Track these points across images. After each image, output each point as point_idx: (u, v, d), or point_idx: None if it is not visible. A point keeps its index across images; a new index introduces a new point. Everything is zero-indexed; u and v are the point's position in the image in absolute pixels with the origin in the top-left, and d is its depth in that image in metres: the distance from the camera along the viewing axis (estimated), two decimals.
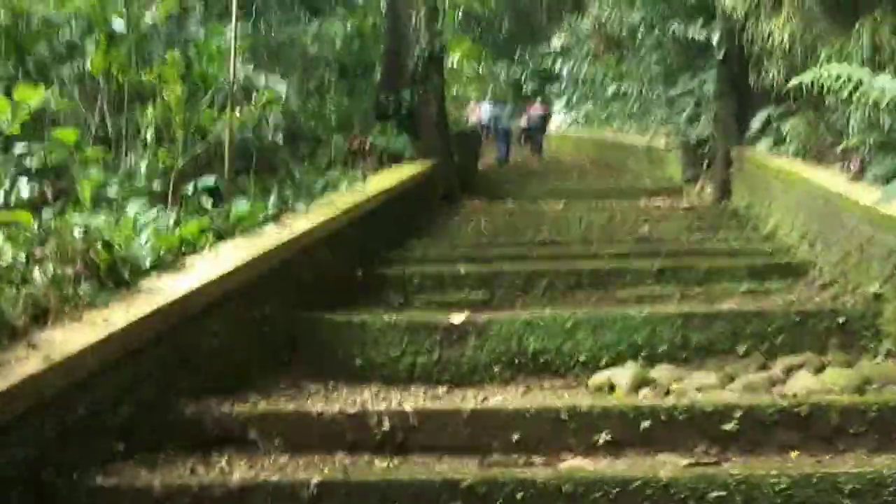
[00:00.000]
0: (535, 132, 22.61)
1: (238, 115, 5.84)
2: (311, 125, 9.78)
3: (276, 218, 5.57)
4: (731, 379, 4.44)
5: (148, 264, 3.92)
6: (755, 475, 2.69)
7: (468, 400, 4.19)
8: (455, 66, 34.62)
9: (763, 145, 8.90)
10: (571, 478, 2.72)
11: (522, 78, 27.00)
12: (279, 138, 7.17)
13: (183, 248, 4.42)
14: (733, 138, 10.53)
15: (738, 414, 3.34)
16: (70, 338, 2.92)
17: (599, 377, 4.47)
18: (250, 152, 7.43)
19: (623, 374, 4.40)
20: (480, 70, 31.20)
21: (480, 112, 21.94)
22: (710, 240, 7.57)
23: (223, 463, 3.12)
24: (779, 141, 8.50)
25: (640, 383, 4.34)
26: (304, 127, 9.64)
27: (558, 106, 24.53)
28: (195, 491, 2.68)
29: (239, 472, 2.92)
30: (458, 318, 4.94)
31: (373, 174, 9.00)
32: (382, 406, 3.54)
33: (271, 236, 4.98)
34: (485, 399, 3.77)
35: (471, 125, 22.10)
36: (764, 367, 4.60)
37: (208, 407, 3.55)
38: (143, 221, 4.46)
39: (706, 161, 12.08)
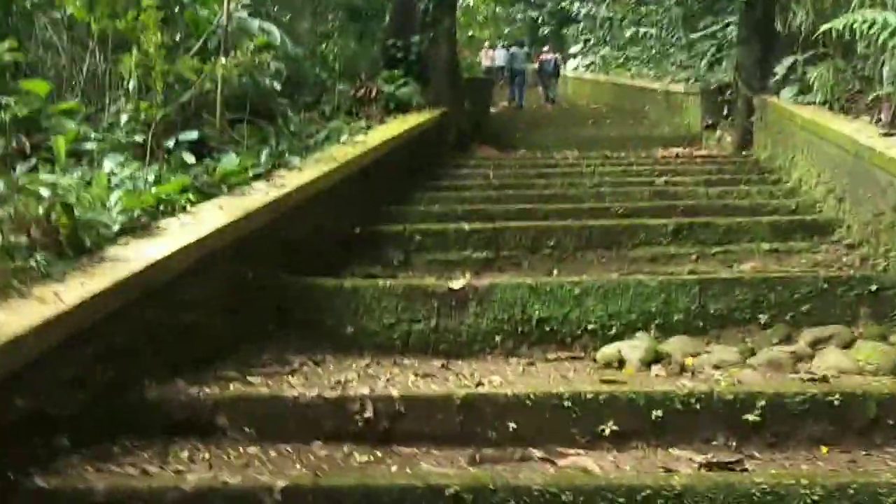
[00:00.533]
0: (547, 78, 22.16)
1: (226, 62, 5.43)
2: (316, 72, 9.36)
3: (267, 173, 5.22)
4: (753, 352, 4.09)
5: (117, 228, 3.58)
6: (783, 484, 2.35)
7: (464, 377, 3.85)
8: (471, 5, 33.94)
9: (787, 93, 8.43)
10: (572, 484, 2.39)
11: (539, 20, 26.33)
12: (277, 86, 6.72)
13: (162, 209, 4.08)
14: (756, 85, 10.05)
15: (761, 402, 3.00)
16: (10, 319, 2.60)
17: (608, 350, 4.13)
18: (249, 101, 7.06)
19: (634, 348, 4.06)
20: (496, 11, 30.51)
21: (494, 56, 21.41)
22: (730, 194, 7.16)
23: (183, 457, 2.80)
24: (804, 89, 8.04)
25: (652, 358, 4.00)
26: (309, 74, 9.23)
27: (575, 48, 23.90)
28: (144, 496, 2.37)
29: (197, 472, 2.61)
30: (457, 283, 4.59)
31: (378, 123, 8.62)
32: (366, 390, 3.21)
33: (259, 194, 4.62)
34: (479, 383, 3.43)
35: (484, 69, 21.72)
36: (788, 340, 4.25)
37: (175, 389, 3.24)
38: (117, 179, 4.11)
39: (727, 108, 11.61)
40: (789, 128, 7.87)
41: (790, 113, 7.92)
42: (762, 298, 4.42)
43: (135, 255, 3.33)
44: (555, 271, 5.76)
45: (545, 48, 22.75)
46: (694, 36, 13.42)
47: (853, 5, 6.32)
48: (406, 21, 10.22)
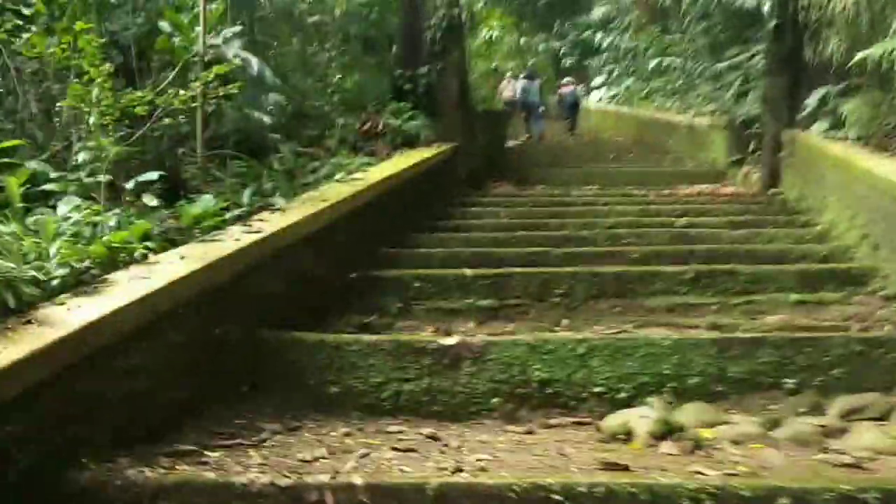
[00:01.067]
0: (567, 110, 21.89)
1: (180, 93, 5.05)
2: (319, 104, 9.04)
3: (247, 216, 4.84)
4: (776, 424, 3.62)
5: (55, 284, 3.19)
6: None
7: (449, 451, 3.41)
8: (493, 39, 33.72)
9: (818, 128, 7.98)
10: None
11: (561, 51, 26.02)
12: (267, 119, 6.37)
13: (119, 259, 3.70)
14: (784, 119, 9.62)
15: (784, 501, 2.53)
16: None
17: (614, 420, 3.67)
18: (237, 137, 6.72)
19: (643, 419, 3.60)
20: (518, 43, 30.23)
21: (515, 88, 21.03)
22: (756, 238, 6.69)
23: None
24: (837, 124, 7.59)
25: (663, 431, 3.54)
26: (308, 107, 8.91)
27: (599, 80, 23.52)
28: None
29: None
30: (450, 339, 4.17)
31: (383, 159, 8.26)
32: (326, 477, 2.78)
33: (230, 241, 4.23)
34: (458, 469, 2.98)
35: (505, 102, 21.32)
36: (817, 409, 3.78)
37: (114, 471, 2.82)
38: (68, 225, 3.73)
39: (753, 143, 11.16)
40: (820, 166, 7.41)
41: (821, 149, 7.47)
42: (788, 361, 3.96)
43: (69, 316, 2.94)
44: (563, 321, 5.33)
45: (565, 80, 22.35)
46: (720, 66, 12.97)
47: (892, 31, 5.87)
48: (414, 51, 9.89)
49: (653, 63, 18.14)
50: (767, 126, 10.00)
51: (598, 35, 22.23)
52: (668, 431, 3.55)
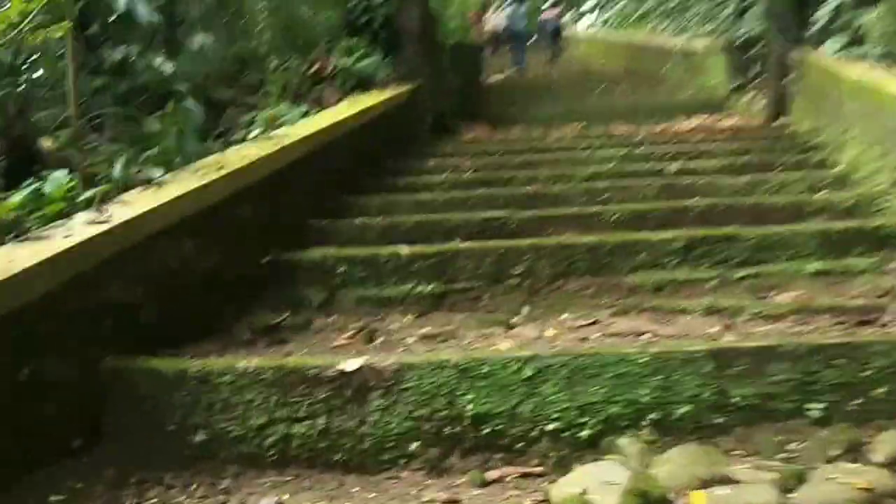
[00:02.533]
0: (549, 38, 20.80)
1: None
2: (256, 46, 7.85)
3: (103, 198, 3.72)
4: (800, 480, 2.56)
5: None
6: None
7: None
8: None
9: (832, 46, 6.78)
10: None
11: None
12: (169, 67, 5.22)
13: None
14: (791, 37, 8.41)
15: None
16: None
17: (567, 490, 2.60)
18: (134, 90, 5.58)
19: (607, 485, 2.53)
20: None
21: (500, 17, 19.73)
22: (762, 185, 5.56)
23: None
24: (854, 41, 6.38)
25: (638, 500, 2.47)
26: (244, 49, 7.73)
27: (590, 2, 22.08)
28: None
29: None
30: (351, 363, 3.09)
31: (330, 106, 7.12)
32: None
33: (62, 237, 3.13)
34: None
35: (488, 31, 20.02)
36: (855, 449, 2.71)
37: None
38: None
39: (756, 67, 9.96)
40: (837, 91, 6.24)
41: (836, 72, 6.30)
42: (813, 378, 2.88)
43: None
44: (523, 309, 4.26)
45: (547, 4, 21.01)
46: None
47: None
48: None
49: None
50: (772, 46, 8.79)
51: None
52: (645, 501, 2.49)
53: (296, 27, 8.38)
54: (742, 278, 4.29)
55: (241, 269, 4.29)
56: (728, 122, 9.12)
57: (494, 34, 19.85)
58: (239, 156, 4.61)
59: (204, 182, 4.00)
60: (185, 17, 6.95)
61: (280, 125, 5.91)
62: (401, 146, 7.47)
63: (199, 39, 6.87)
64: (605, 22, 20.07)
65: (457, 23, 11.40)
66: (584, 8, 22.18)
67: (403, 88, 7.87)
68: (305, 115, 6.39)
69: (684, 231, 4.50)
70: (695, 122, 9.49)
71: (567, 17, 23.86)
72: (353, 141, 6.29)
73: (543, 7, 21.24)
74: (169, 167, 4.28)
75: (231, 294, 4.16)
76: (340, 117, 6.14)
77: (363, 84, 7.88)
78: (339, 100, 7.50)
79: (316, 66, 7.83)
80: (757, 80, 10.00)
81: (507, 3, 20.25)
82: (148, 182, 3.96)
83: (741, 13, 10.81)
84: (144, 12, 4.84)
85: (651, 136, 8.00)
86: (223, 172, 4.16)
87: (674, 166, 6.30)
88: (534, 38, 21.28)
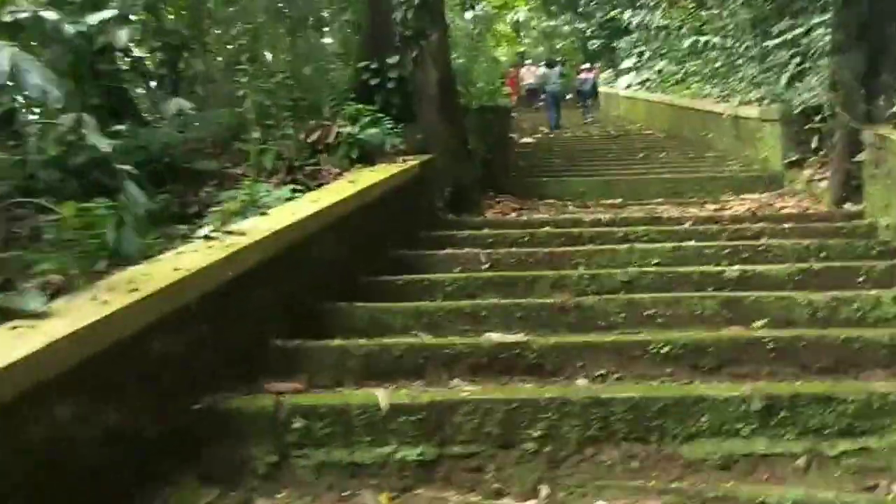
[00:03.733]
0: (583, 97, 20.68)
1: None
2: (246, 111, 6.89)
3: None
4: None
5: None
6: None
7: None
8: (521, 21, 31.46)
9: None
10: None
11: (587, 33, 23.51)
12: (105, 147, 4.19)
13: None
14: (860, 110, 7.31)
15: None
16: None
17: None
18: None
19: None
20: (542, 26, 28.00)
21: (532, 75, 18.92)
22: (850, 306, 4.40)
23: None
24: None
25: None
26: (235, 115, 6.77)
27: (628, 63, 21.09)
28: None
29: None
30: None
31: (328, 183, 6.11)
32: None
33: None
34: None
35: (526, 88, 19.35)
36: None
37: None
38: None
39: (817, 140, 8.86)
40: None
41: None
42: None
43: None
44: (542, 489, 3.14)
45: (584, 66, 20.25)
46: (771, 43, 10.60)
47: None
48: (381, 36, 7.68)
49: (687, 42, 15.71)
50: (838, 119, 7.67)
51: (627, 13, 19.76)
52: None
53: (307, 89, 7.40)
54: (841, 455, 3.14)
55: (161, 425, 3.20)
56: (788, 205, 7.98)
57: (529, 91, 19.13)
58: (166, 269, 3.51)
59: (105, 314, 2.92)
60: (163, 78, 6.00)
61: (262, 208, 4.87)
62: (407, 232, 6.39)
63: (177, 104, 5.90)
64: (644, 83, 19.05)
65: (485, 83, 10.41)
66: (623, 67, 21.20)
67: (415, 161, 6.83)
68: (292, 197, 5.35)
69: (762, 386, 3.36)
70: (748, 202, 8.36)
71: (606, 74, 22.93)
72: (346, 230, 5.22)
73: (582, 67, 20.36)
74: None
75: (144, 461, 3.06)
76: (329, 202, 5.08)
77: (369, 155, 6.86)
78: (340, 174, 6.49)
79: (316, 135, 6.83)
80: (817, 155, 8.90)
81: (541, 62, 19.51)
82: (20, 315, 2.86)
83: (796, 79, 9.72)
84: (37, 81, 3.65)
85: (701, 222, 6.87)
86: (136, 297, 3.09)
87: (734, 271, 5.15)
88: (568, 96, 20.59)
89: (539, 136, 15.98)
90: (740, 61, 13.85)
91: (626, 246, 5.94)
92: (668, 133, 14.62)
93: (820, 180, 8.42)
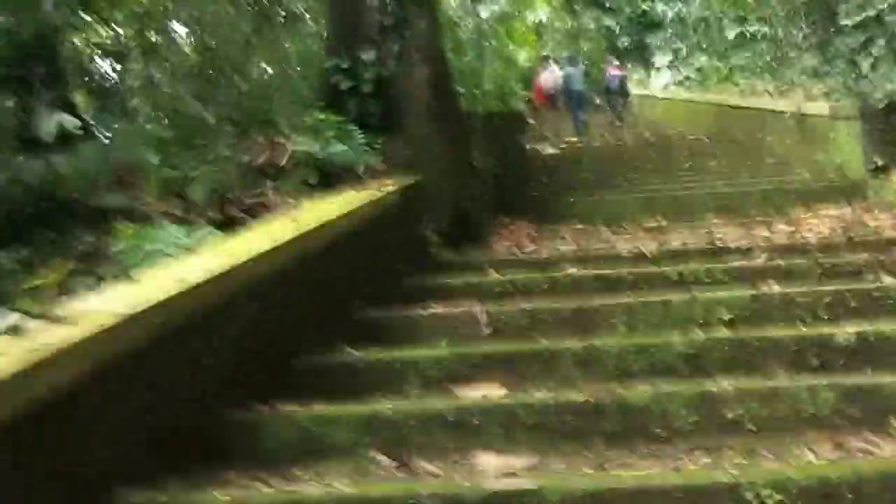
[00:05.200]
0: (614, 98, 19.16)
1: None
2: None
3: None
4: None
5: None
6: None
7: None
8: (542, 22, 29.84)
9: None
10: None
11: (617, 29, 21.76)
12: None
13: None
14: None
15: None
16: None
17: None
18: None
19: None
20: (573, 25, 26.37)
21: (556, 76, 17.34)
22: None
23: None
24: None
25: None
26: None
27: (663, 60, 19.34)
28: None
29: None
30: None
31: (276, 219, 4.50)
32: None
33: None
34: None
35: (545, 91, 17.90)
36: None
37: None
38: None
39: None
40: None
41: None
42: None
43: None
44: None
45: (614, 62, 18.64)
46: (845, 23, 8.84)
47: None
48: (354, 27, 6.05)
49: (732, 33, 13.94)
50: None
51: (660, 5, 18.04)
52: None
53: (251, 96, 5.80)
54: None
55: None
56: (883, 222, 6.23)
57: (549, 95, 17.48)
58: None
59: None
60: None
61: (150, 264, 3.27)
62: (382, 282, 4.71)
63: (57, 121, 4.33)
64: (683, 81, 17.26)
65: (494, 84, 8.70)
66: (657, 65, 19.46)
67: (393, 187, 5.17)
68: (192, 250, 3.73)
69: None
70: (830, 219, 6.62)
71: (639, 75, 21.30)
72: (276, 291, 3.59)
73: (610, 65, 18.72)
74: None
75: None
76: (250, 253, 3.45)
77: (335, 179, 5.24)
78: (298, 203, 4.86)
79: (264, 156, 5.23)
80: None
81: (562, 59, 17.88)
82: None
83: (880, 65, 7.95)
84: None
85: (780, 252, 5.15)
86: None
87: (848, 334, 3.45)
88: (595, 99, 18.97)
89: (564, 145, 14.26)
90: (794, 53, 12.09)
91: (682, 295, 4.23)
92: (716, 137, 12.83)
93: None
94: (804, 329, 3.67)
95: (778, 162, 9.59)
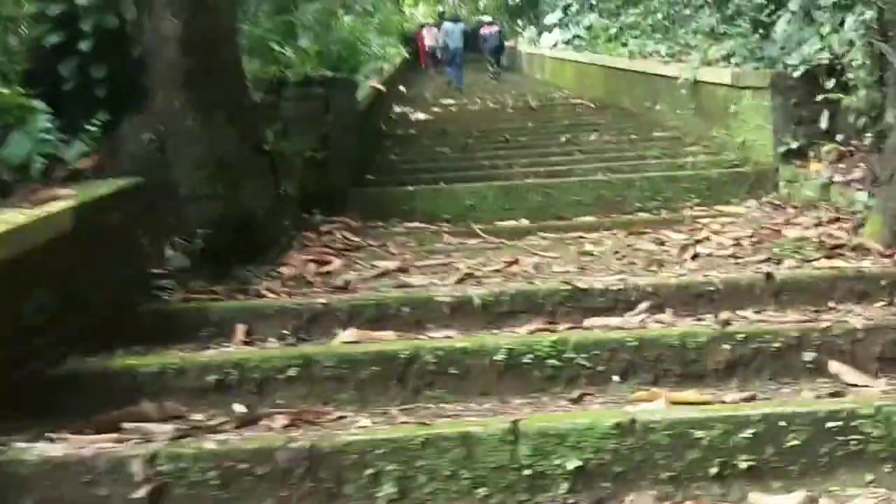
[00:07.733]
0: (490, 53, 19.44)
1: None
2: None
3: None
4: None
5: None
6: None
7: None
8: None
9: None
10: None
11: None
12: None
13: None
14: None
15: None
16: None
17: None
18: None
19: None
20: None
21: (436, 34, 15.94)
22: None
23: None
24: None
25: None
26: None
27: (552, 18, 17.73)
28: None
29: None
30: None
31: None
32: None
33: None
34: None
35: (429, 52, 16.86)
36: None
37: None
38: None
39: (826, 117, 5.76)
40: None
41: None
42: None
43: None
44: None
45: (487, 20, 17.89)
46: None
47: None
48: None
49: None
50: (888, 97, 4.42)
51: None
52: None
53: None
54: None
55: None
56: (804, 231, 4.70)
57: (432, 55, 16.27)
58: None
59: None
60: None
61: None
62: (34, 370, 2.87)
63: None
64: (571, 41, 15.65)
65: (314, 40, 6.71)
66: (548, 21, 17.85)
67: (67, 203, 3.28)
68: None
69: None
70: (731, 227, 5.08)
71: (529, 32, 19.94)
72: None
73: (484, 22, 17.67)
74: None
75: None
76: None
77: (5, 187, 3.37)
78: None
79: None
80: (834, 142, 5.68)
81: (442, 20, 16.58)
82: None
83: (795, 27, 6.41)
84: None
85: (677, 305, 3.47)
86: None
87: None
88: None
89: (439, 109, 12.53)
90: (688, 11, 10.59)
91: (500, 424, 2.51)
92: (602, 103, 11.25)
93: (846, 184, 5.20)
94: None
95: (669, 137, 8.02)
